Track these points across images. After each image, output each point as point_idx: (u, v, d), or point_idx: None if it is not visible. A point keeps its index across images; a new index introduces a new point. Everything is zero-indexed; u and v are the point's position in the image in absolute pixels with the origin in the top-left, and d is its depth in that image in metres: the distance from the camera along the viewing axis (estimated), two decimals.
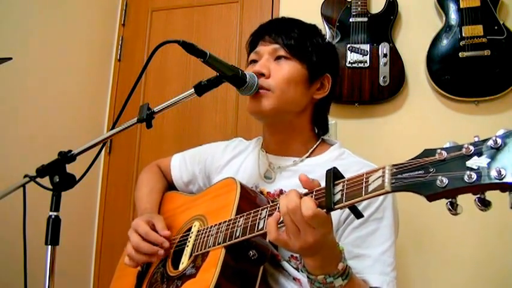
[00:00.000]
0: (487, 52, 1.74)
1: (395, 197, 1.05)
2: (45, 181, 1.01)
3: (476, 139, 0.58)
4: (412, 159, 0.63)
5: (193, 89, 1.02)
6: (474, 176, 0.55)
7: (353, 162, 1.10)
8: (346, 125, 1.94)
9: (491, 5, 1.78)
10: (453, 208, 0.60)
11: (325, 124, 1.21)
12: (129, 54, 2.39)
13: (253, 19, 2.17)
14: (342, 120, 1.94)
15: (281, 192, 1.10)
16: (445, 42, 1.82)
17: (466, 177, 0.56)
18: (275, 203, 0.85)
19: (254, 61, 1.15)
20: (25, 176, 1.05)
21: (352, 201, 0.70)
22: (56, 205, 0.98)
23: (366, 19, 1.92)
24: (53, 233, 0.96)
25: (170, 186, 1.39)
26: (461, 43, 1.78)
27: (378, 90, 1.86)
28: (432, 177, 0.59)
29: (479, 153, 0.56)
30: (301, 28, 1.14)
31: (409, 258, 1.76)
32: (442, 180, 0.58)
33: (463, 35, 1.78)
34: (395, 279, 0.97)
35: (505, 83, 1.74)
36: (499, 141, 0.55)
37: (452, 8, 1.83)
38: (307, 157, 1.15)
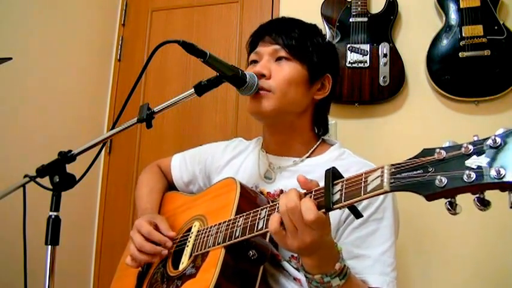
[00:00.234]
0: (487, 52, 1.74)
1: (395, 197, 1.05)
2: (45, 181, 1.01)
3: (475, 138, 0.58)
4: (411, 158, 0.63)
5: (193, 89, 1.01)
6: (473, 175, 0.55)
7: (353, 162, 1.10)
8: (346, 125, 1.94)
9: (491, 5, 1.78)
10: (452, 208, 0.60)
11: (326, 124, 1.21)
12: (129, 54, 2.39)
13: (253, 19, 2.17)
14: (342, 120, 1.94)
15: (281, 192, 1.10)
16: (445, 42, 1.82)
17: (465, 177, 0.56)
18: (275, 203, 0.85)
19: (254, 61, 1.15)
20: (25, 176, 1.05)
21: (351, 201, 0.70)
22: (56, 205, 0.98)
23: (366, 19, 1.92)
24: (53, 233, 0.96)
25: (170, 186, 1.39)
26: (461, 43, 1.78)
27: (378, 90, 1.86)
28: (431, 176, 0.59)
29: (478, 153, 0.56)
30: (301, 28, 1.14)
31: (409, 258, 1.76)
32: (441, 180, 0.58)
33: (463, 35, 1.78)
34: (395, 280, 0.97)
35: (505, 83, 1.74)
36: (499, 140, 0.55)
37: (452, 8, 1.83)
38: (307, 157, 1.14)
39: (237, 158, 1.27)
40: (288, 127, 1.14)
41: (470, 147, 0.57)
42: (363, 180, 0.69)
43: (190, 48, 0.96)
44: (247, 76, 1.04)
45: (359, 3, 1.93)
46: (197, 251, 1.01)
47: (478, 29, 1.77)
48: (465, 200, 0.61)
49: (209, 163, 1.32)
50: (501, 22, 1.76)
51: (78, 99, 2.17)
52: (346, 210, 0.97)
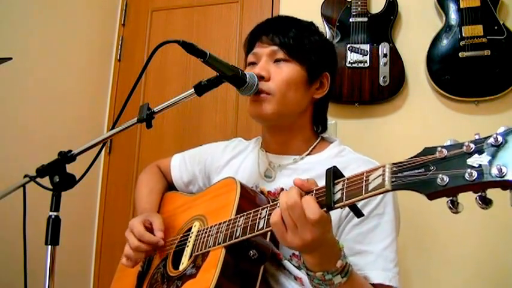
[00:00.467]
0: (487, 52, 1.74)
1: (395, 193, 1.05)
2: (45, 181, 1.01)
3: (476, 137, 0.58)
4: (412, 157, 0.63)
5: (193, 89, 1.01)
6: (475, 174, 0.55)
7: (352, 159, 1.10)
8: (346, 125, 1.94)
9: (491, 5, 1.78)
10: (454, 206, 0.59)
11: (325, 122, 1.21)
12: (129, 54, 2.39)
13: (253, 19, 2.17)
14: (342, 120, 1.94)
15: (282, 190, 1.09)
16: (445, 42, 1.82)
17: (466, 175, 0.56)
18: (275, 202, 0.85)
19: (252, 63, 1.15)
20: (25, 176, 1.05)
21: (352, 200, 0.70)
22: (56, 205, 0.98)
23: (366, 19, 1.92)
24: (53, 233, 0.96)
25: (170, 186, 1.39)
26: (461, 43, 1.78)
27: (378, 90, 1.86)
28: (433, 175, 0.59)
29: (480, 151, 0.56)
30: (298, 27, 1.13)
31: (409, 257, 1.75)
32: (443, 179, 0.57)
33: (463, 35, 1.78)
34: (397, 275, 0.96)
35: (505, 83, 1.74)
36: (500, 138, 0.55)
37: (452, 8, 1.83)
38: (307, 155, 1.14)
39: (236, 158, 1.27)
40: (288, 127, 1.14)
41: (472, 145, 0.57)
42: (364, 179, 0.69)
43: (190, 48, 0.96)
44: (247, 76, 1.03)
45: (359, 3, 1.93)
46: (197, 251, 1.00)
47: (478, 29, 1.77)
48: (466, 200, 0.61)
49: (209, 163, 1.31)
50: (501, 22, 1.76)
51: (78, 99, 2.17)
52: (347, 208, 0.97)
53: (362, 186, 0.69)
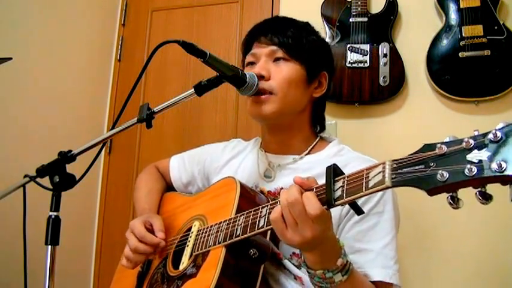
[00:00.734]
0: (487, 52, 1.74)
1: (395, 192, 1.05)
2: (45, 181, 1.01)
3: (476, 133, 0.58)
4: (412, 154, 0.63)
5: (193, 89, 1.01)
6: (475, 169, 0.55)
7: (351, 157, 1.11)
8: (346, 125, 1.94)
9: (491, 5, 1.78)
10: (454, 202, 0.60)
11: (323, 121, 1.22)
12: (129, 54, 2.39)
13: (253, 19, 2.15)
14: (341, 120, 1.94)
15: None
16: (445, 42, 1.82)
17: (466, 171, 0.56)
18: (276, 201, 0.85)
19: (251, 63, 1.15)
20: (25, 176, 1.05)
21: (353, 197, 0.70)
22: (56, 205, 0.98)
23: (366, 19, 1.92)
24: (53, 233, 0.96)
25: (169, 187, 1.38)
26: (461, 43, 1.78)
27: (378, 90, 1.86)
28: (433, 171, 0.59)
29: (479, 147, 0.56)
30: (296, 27, 1.14)
31: (409, 255, 1.75)
32: (443, 174, 0.58)
33: (463, 35, 1.78)
34: (398, 272, 0.97)
35: (505, 83, 1.74)
36: (499, 134, 0.55)
37: (452, 8, 1.83)
38: (306, 154, 1.15)
39: (235, 158, 1.27)
40: (288, 126, 1.14)
41: (471, 141, 0.57)
42: (365, 176, 0.69)
43: (190, 48, 0.96)
44: (247, 76, 1.04)
45: (359, 3, 1.93)
46: (197, 251, 1.00)
47: (478, 29, 1.77)
48: (466, 198, 0.61)
49: (208, 164, 1.31)
50: (501, 22, 1.76)
51: (78, 99, 2.17)
52: (347, 206, 0.97)
53: (362, 183, 0.69)
